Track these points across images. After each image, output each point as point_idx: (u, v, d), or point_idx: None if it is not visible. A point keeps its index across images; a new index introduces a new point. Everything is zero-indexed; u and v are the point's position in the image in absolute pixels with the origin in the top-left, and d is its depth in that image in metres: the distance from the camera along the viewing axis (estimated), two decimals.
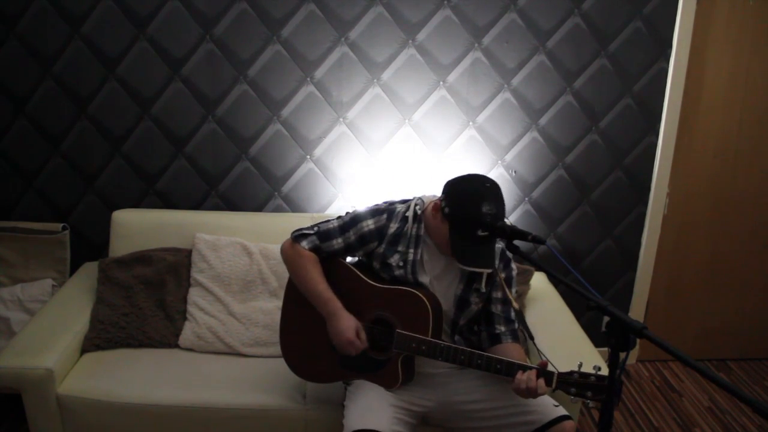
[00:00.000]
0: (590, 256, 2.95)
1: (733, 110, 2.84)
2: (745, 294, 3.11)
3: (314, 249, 1.90)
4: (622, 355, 1.28)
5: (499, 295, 1.90)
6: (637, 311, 3.04)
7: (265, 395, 2.10)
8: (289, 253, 1.92)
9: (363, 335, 1.83)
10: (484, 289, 1.85)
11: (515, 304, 1.78)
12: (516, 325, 1.92)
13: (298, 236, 1.91)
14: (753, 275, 3.08)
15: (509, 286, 1.89)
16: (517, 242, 1.72)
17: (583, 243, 2.93)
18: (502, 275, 1.88)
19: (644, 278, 2.99)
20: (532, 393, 1.64)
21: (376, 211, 1.88)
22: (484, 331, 1.92)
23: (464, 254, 1.71)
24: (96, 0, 2.49)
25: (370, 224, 1.86)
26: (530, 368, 1.66)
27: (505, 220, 1.74)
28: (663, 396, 2.91)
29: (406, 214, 1.85)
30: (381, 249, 1.85)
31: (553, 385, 1.64)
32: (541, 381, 1.63)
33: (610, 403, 1.33)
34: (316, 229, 1.91)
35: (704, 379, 3.03)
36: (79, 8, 2.50)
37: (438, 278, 1.86)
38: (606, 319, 1.33)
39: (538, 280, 2.62)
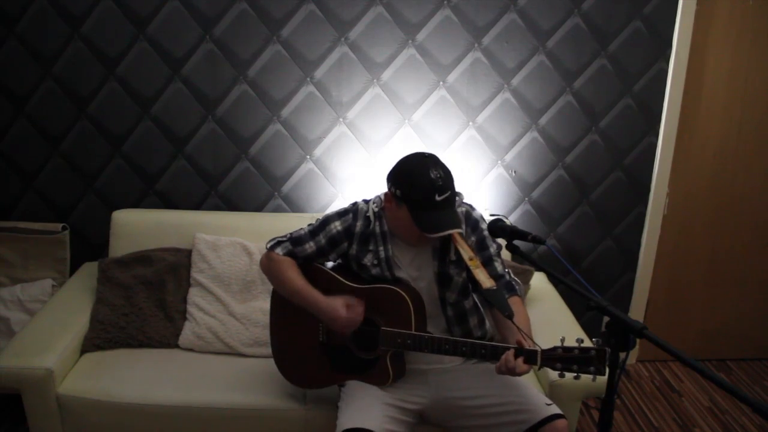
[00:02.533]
0: (590, 256, 2.95)
1: (733, 110, 2.84)
2: (745, 294, 3.11)
3: (289, 254, 1.94)
4: (622, 355, 1.29)
5: (480, 257, 1.89)
6: (637, 311, 3.04)
7: (265, 395, 2.10)
8: (265, 262, 1.97)
9: (354, 301, 1.84)
10: (455, 257, 1.86)
11: (487, 284, 1.69)
12: (507, 278, 1.91)
13: (273, 245, 1.96)
14: (753, 275, 3.08)
15: (485, 247, 1.89)
16: (517, 242, 1.72)
17: (583, 243, 2.93)
18: (472, 239, 1.88)
19: (644, 278, 2.99)
20: (512, 372, 1.63)
21: (342, 212, 1.92)
22: (479, 297, 1.94)
23: (429, 224, 1.71)
24: (96, 0, 2.50)
25: (337, 225, 1.90)
26: (510, 348, 1.65)
27: (505, 220, 1.74)
28: (663, 396, 2.91)
29: (367, 214, 1.89)
30: (353, 250, 1.89)
31: (538, 363, 1.62)
32: (520, 360, 1.62)
33: (610, 401, 1.34)
34: (288, 236, 1.96)
35: (704, 379, 3.03)
36: (79, 8, 2.50)
37: (413, 265, 1.88)
38: (606, 319, 1.32)
39: (538, 280, 2.62)
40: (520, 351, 1.63)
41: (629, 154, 2.82)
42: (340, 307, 1.82)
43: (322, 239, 1.91)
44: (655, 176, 2.84)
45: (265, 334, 2.35)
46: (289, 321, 1.99)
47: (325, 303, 1.84)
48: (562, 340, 1.62)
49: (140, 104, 2.63)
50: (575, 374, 1.59)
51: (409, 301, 1.80)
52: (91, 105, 2.62)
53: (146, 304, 2.39)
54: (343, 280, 1.90)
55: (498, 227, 1.69)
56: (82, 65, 2.57)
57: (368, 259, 1.88)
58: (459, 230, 1.73)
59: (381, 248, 1.87)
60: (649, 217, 2.90)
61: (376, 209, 1.89)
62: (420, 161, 1.75)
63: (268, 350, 2.33)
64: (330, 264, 2.01)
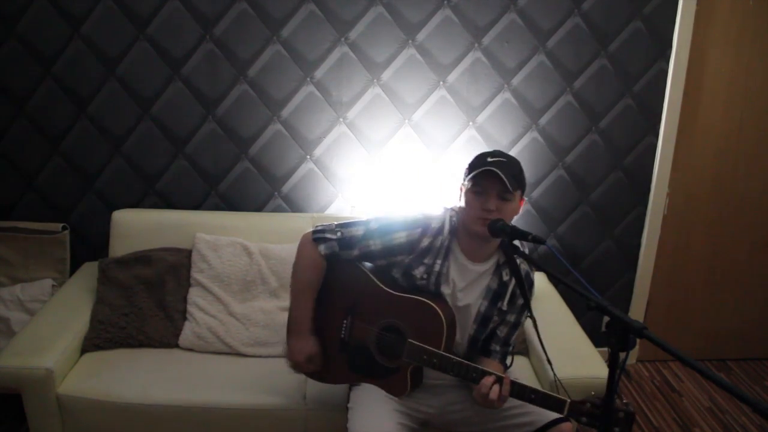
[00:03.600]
0: (590, 256, 2.95)
1: (733, 110, 2.84)
2: (745, 294, 3.11)
3: (331, 256, 1.84)
4: (622, 355, 1.28)
5: (511, 319, 1.87)
6: (637, 311, 3.04)
7: (265, 395, 2.10)
8: (303, 250, 1.87)
9: (317, 361, 1.87)
10: (505, 308, 1.83)
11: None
12: (510, 348, 1.90)
13: (319, 238, 1.84)
14: (753, 275, 3.08)
15: (529, 309, 1.84)
16: (517, 242, 1.72)
17: (583, 243, 2.92)
18: (520, 301, 1.85)
19: (644, 278, 2.99)
20: (485, 398, 1.65)
21: (411, 224, 1.80)
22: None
23: (478, 173, 1.69)
24: (96, 0, 2.49)
25: (402, 236, 1.79)
26: (551, 396, 1.64)
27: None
28: (663, 396, 2.91)
29: (442, 228, 1.79)
30: (407, 260, 1.80)
31: (565, 413, 1.61)
32: (496, 387, 1.64)
33: (610, 401, 1.33)
34: (339, 234, 1.83)
35: (704, 379, 3.03)
36: (79, 8, 2.50)
37: (463, 291, 1.82)
38: (606, 319, 1.32)
39: (538, 280, 2.59)
40: (499, 380, 1.66)
41: (629, 154, 2.81)
42: (305, 353, 1.86)
43: (376, 245, 1.80)
44: (655, 176, 2.84)
45: (265, 334, 2.35)
46: (316, 312, 1.93)
47: (302, 340, 1.87)
48: (593, 395, 1.60)
49: (140, 104, 2.63)
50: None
51: (444, 319, 1.74)
52: (91, 105, 2.62)
53: (146, 304, 2.39)
54: (379, 284, 1.83)
55: (498, 227, 1.69)
56: (82, 65, 2.57)
57: (419, 271, 1.79)
58: (509, 188, 1.67)
59: (438, 262, 1.78)
60: (649, 217, 2.90)
61: (454, 222, 1.80)
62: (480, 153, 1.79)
63: (268, 350, 2.34)
64: (368, 264, 1.91)
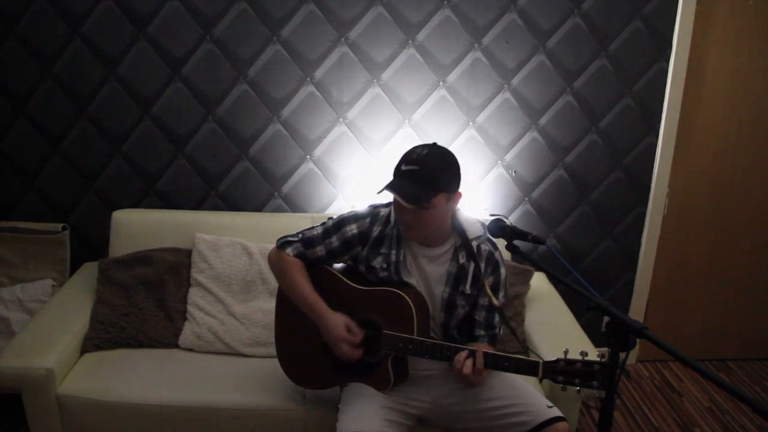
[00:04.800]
0: (590, 256, 2.95)
1: (733, 110, 2.84)
2: (745, 294, 3.11)
3: (299, 255, 1.91)
4: (622, 355, 1.28)
5: (485, 302, 1.88)
6: (637, 311, 3.04)
7: (265, 395, 2.10)
8: (274, 261, 1.95)
9: (355, 328, 1.83)
10: (468, 291, 1.84)
11: (495, 301, 1.79)
12: (496, 331, 1.91)
13: (283, 243, 1.93)
14: (753, 275, 3.08)
15: (496, 291, 1.87)
16: (517, 242, 1.72)
17: (583, 243, 2.93)
18: (490, 279, 1.86)
19: (644, 278, 2.99)
20: (459, 372, 1.68)
21: (359, 216, 1.88)
22: (464, 334, 1.93)
23: (386, 186, 1.68)
24: (96, 0, 2.49)
25: (353, 228, 1.86)
26: (523, 360, 1.66)
27: (505, 220, 1.74)
28: (663, 396, 2.91)
29: (389, 217, 1.85)
30: (364, 252, 1.87)
31: (539, 375, 1.63)
32: (469, 361, 1.67)
33: (610, 401, 1.33)
34: (300, 236, 1.92)
35: (704, 379, 3.03)
36: (79, 8, 2.50)
37: (424, 280, 1.86)
38: (606, 319, 1.32)
39: (538, 280, 2.62)
40: (472, 354, 1.68)
41: (629, 154, 2.82)
42: (341, 326, 1.81)
43: (335, 241, 1.87)
44: (655, 176, 2.84)
45: (265, 334, 2.35)
46: (293, 319, 1.96)
47: (330, 319, 1.82)
48: (566, 352, 1.62)
49: (140, 104, 2.63)
50: (577, 388, 1.58)
51: (412, 305, 1.77)
52: (91, 105, 2.62)
53: (146, 304, 2.39)
54: (348, 282, 1.88)
55: (498, 227, 1.69)
56: (82, 65, 2.57)
57: (377, 262, 1.85)
58: (409, 206, 1.66)
59: (393, 252, 1.83)
60: (649, 217, 2.90)
61: None
62: (421, 144, 1.74)
63: (268, 350, 2.34)
64: (338, 265, 1.98)
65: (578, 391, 1.59)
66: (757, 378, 3.08)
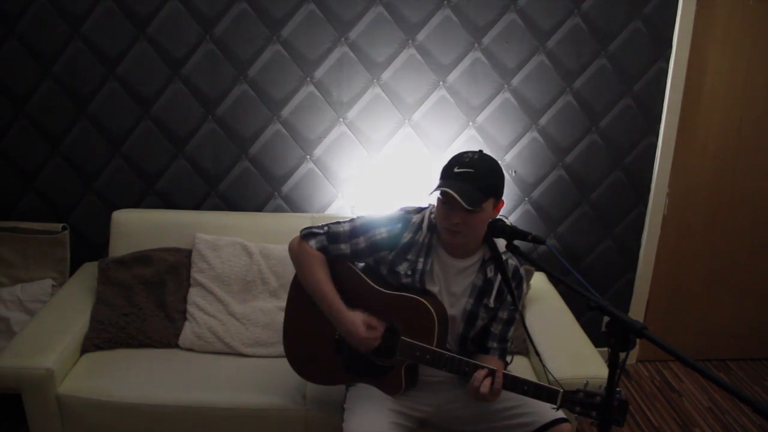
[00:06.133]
0: (590, 256, 2.95)
1: (733, 110, 2.84)
2: (745, 294, 3.11)
3: (322, 249, 1.87)
4: (622, 355, 1.28)
5: (504, 315, 1.87)
6: (637, 311, 3.04)
7: (265, 395, 2.10)
8: (296, 251, 1.90)
9: (375, 322, 1.80)
10: (492, 305, 1.83)
11: (523, 321, 1.80)
12: (509, 344, 1.90)
13: (307, 234, 1.88)
14: (753, 275, 3.08)
15: (513, 306, 1.86)
16: (517, 242, 1.72)
17: (583, 243, 2.93)
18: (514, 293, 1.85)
19: (644, 278, 2.99)
20: (476, 390, 1.66)
21: (390, 219, 1.83)
22: (475, 344, 1.91)
23: (439, 185, 1.67)
24: (96, 0, 2.49)
25: (383, 232, 1.81)
26: (543, 387, 1.64)
27: (505, 220, 1.73)
28: (663, 396, 2.91)
29: (422, 224, 1.81)
30: (390, 257, 1.82)
31: (557, 403, 1.61)
32: (488, 380, 1.65)
33: (610, 401, 1.33)
34: (326, 229, 1.87)
35: (704, 379, 3.03)
36: (79, 8, 2.50)
37: (448, 291, 1.83)
38: (606, 319, 1.32)
39: (538, 280, 2.62)
40: (492, 373, 1.66)
41: (629, 154, 2.82)
42: (359, 325, 1.78)
43: (362, 242, 1.83)
44: (655, 176, 2.84)
45: (265, 334, 2.35)
46: (306, 313, 1.93)
47: (348, 318, 1.79)
48: (586, 384, 1.60)
49: (140, 104, 2.63)
50: (592, 420, 1.57)
51: (435, 316, 1.74)
52: (91, 105, 2.62)
53: (146, 304, 2.39)
54: (371, 283, 1.84)
55: (498, 227, 1.69)
56: (82, 65, 2.57)
57: (402, 268, 1.80)
58: (467, 207, 1.63)
59: (420, 260, 1.79)
60: (649, 217, 2.90)
61: (434, 219, 1.79)
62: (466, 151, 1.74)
63: (268, 350, 2.34)
64: (360, 264, 1.94)
65: (592, 423, 1.58)
66: (757, 378, 3.08)
